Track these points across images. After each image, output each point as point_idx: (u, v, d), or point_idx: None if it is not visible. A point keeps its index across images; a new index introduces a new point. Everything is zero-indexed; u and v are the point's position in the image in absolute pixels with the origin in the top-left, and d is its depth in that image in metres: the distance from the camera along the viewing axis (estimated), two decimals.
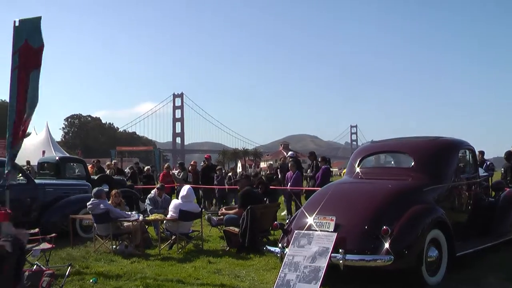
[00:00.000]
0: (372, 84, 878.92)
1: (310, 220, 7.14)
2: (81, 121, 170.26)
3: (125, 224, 10.15)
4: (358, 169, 8.71)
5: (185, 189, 10.36)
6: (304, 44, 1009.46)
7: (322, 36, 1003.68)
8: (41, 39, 7.77)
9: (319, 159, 15.82)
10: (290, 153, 24.12)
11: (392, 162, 9.26)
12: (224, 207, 12.80)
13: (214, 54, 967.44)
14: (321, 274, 6.32)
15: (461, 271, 7.49)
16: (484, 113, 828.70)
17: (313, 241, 6.77)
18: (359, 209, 7.13)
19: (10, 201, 7.77)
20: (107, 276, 7.75)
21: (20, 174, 11.32)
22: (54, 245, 8.22)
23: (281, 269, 6.71)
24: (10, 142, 7.74)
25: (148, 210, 11.88)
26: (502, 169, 14.64)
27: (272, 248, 7.65)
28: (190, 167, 20.25)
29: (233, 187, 16.22)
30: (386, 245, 6.46)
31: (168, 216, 10.18)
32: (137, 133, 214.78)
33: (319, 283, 6.24)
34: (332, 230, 6.78)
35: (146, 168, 22.99)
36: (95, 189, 10.53)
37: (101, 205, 9.89)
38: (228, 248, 9.98)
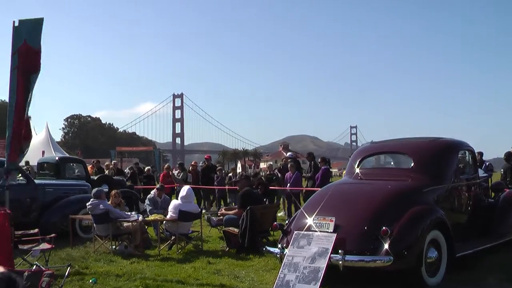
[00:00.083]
0: (372, 85, 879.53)
1: (309, 220, 7.14)
2: (81, 121, 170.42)
3: (125, 224, 10.14)
4: (357, 170, 8.72)
5: (184, 189, 10.36)
6: (304, 45, 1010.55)
7: (322, 37, 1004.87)
8: (39, 41, 7.76)
9: (319, 160, 15.84)
10: (288, 153, 24.16)
11: (392, 163, 9.27)
12: (224, 208, 12.81)
13: (214, 55, 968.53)
14: (321, 274, 6.32)
15: (461, 272, 7.49)
16: (483, 114, 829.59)
17: (313, 241, 6.76)
18: (359, 209, 7.13)
19: (10, 201, 7.77)
20: (107, 276, 7.75)
21: (20, 174, 11.31)
22: (53, 246, 8.22)
23: (280, 269, 6.71)
24: (9, 143, 7.72)
25: (147, 210, 11.88)
26: (502, 170, 14.62)
27: (272, 249, 7.66)
28: (190, 168, 20.25)
29: (233, 187, 16.22)
30: (386, 246, 6.47)
31: (168, 216, 10.19)
32: (137, 134, 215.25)
33: (319, 283, 6.24)
34: (332, 230, 6.78)
35: (146, 168, 22.99)
36: (94, 190, 10.52)
37: (101, 205, 9.88)
38: (227, 248, 9.98)
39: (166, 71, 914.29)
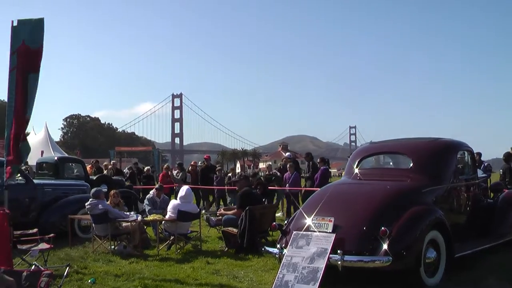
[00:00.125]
0: (371, 85, 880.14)
1: (308, 221, 7.14)
2: (80, 121, 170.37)
3: (124, 224, 10.14)
4: (357, 170, 8.72)
5: (183, 189, 10.36)
6: (303, 45, 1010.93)
7: (321, 37, 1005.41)
8: (39, 41, 7.75)
9: (318, 160, 15.84)
10: (287, 154, 24.12)
11: (391, 163, 9.27)
12: (223, 208, 12.80)
13: (213, 55, 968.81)
14: (320, 275, 6.31)
15: (460, 273, 7.49)
16: (482, 115, 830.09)
17: (312, 242, 6.76)
18: (358, 210, 7.13)
19: (9, 201, 7.77)
20: (106, 276, 7.74)
21: (19, 174, 11.30)
22: (52, 245, 8.21)
23: (279, 270, 6.71)
24: (8, 144, 7.72)
25: (146, 210, 11.88)
26: (501, 170, 14.62)
27: (271, 249, 7.65)
28: (190, 168, 20.23)
29: (232, 187, 16.21)
30: (385, 246, 6.47)
31: (167, 216, 10.18)
32: (136, 134, 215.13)
33: (318, 284, 6.24)
34: (331, 231, 6.78)
35: (146, 168, 22.98)
36: (93, 190, 10.52)
37: (100, 205, 9.88)
38: (226, 248, 9.97)
39: (165, 71, 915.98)
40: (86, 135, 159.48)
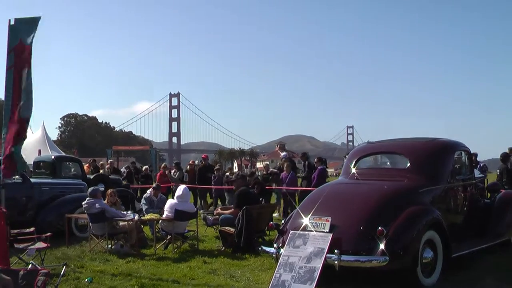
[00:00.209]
0: (368, 85, 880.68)
1: (305, 220, 7.14)
2: (77, 120, 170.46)
3: (121, 223, 10.14)
4: (354, 170, 8.72)
5: (180, 189, 10.36)
6: (300, 45, 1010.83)
7: (320, 37, 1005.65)
8: (31, 37, 7.74)
9: (315, 160, 15.84)
10: (283, 153, 24.15)
11: (388, 163, 9.28)
12: (220, 207, 12.80)
13: (211, 54, 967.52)
14: (317, 274, 6.32)
15: (457, 273, 7.50)
16: (479, 115, 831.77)
17: (309, 241, 6.77)
18: (355, 209, 7.14)
19: (6, 200, 7.78)
20: (102, 275, 7.75)
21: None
22: (49, 244, 8.21)
23: (276, 269, 6.71)
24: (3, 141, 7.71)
25: (143, 209, 11.87)
26: (498, 170, 14.68)
27: (268, 249, 7.66)
28: (188, 167, 20.22)
29: (229, 187, 16.21)
30: (382, 246, 6.47)
31: (164, 215, 10.18)
32: (133, 133, 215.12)
33: (314, 283, 6.24)
34: (328, 230, 6.79)
35: (144, 167, 22.97)
36: (90, 189, 10.51)
37: (97, 204, 9.87)
38: (223, 248, 9.97)
39: (162, 70, 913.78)
40: (83, 134, 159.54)
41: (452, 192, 8.35)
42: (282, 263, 6.70)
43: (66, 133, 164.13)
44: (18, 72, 7.71)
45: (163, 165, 22.71)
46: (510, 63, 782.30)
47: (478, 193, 9.42)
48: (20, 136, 7.85)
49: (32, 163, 15.46)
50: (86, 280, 7.38)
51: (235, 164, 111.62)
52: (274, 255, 7.22)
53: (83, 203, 10.12)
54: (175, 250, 9.87)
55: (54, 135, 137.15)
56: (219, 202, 17.92)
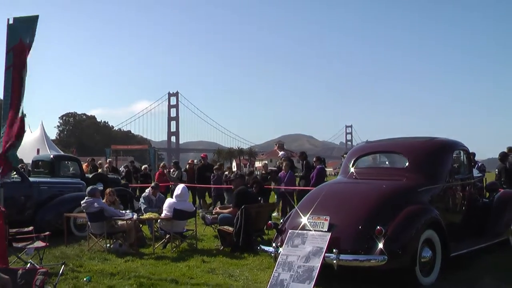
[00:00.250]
0: (367, 84, 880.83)
1: (304, 219, 7.14)
2: (76, 119, 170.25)
3: (119, 222, 10.14)
4: (352, 169, 8.73)
5: (179, 188, 10.36)
6: (299, 44, 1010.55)
7: (319, 37, 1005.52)
8: (31, 37, 7.73)
9: (314, 159, 15.85)
10: (281, 153, 24.13)
11: (387, 162, 9.27)
12: (219, 206, 12.80)
13: (210, 53, 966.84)
14: (315, 274, 6.32)
15: (455, 272, 7.51)
16: (479, 114, 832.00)
17: (307, 240, 6.77)
18: (353, 209, 7.14)
19: (4, 199, 7.76)
20: (101, 274, 7.75)
21: (14, 172, 11.28)
22: (48, 244, 8.20)
23: (275, 268, 6.71)
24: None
25: (142, 209, 11.88)
26: (496, 170, 14.71)
27: (266, 248, 7.66)
28: (187, 166, 20.21)
29: (228, 186, 16.20)
30: (380, 245, 6.47)
31: (162, 215, 10.18)
32: (132, 132, 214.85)
33: (313, 283, 6.25)
34: (326, 230, 6.79)
35: (144, 167, 22.98)
36: (89, 188, 10.52)
37: (95, 203, 9.88)
38: (222, 247, 9.98)
39: (161, 69, 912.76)
40: (82, 133, 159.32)
41: (450, 191, 8.36)
42: (281, 262, 6.70)
43: (65, 132, 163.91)
44: (18, 72, 7.70)
45: (161, 164, 22.76)
46: (510, 63, 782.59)
47: (476, 192, 9.43)
48: (21, 134, 7.87)
49: (30, 162, 15.47)
50: (84, 279, 7.38)
51: (234, 164, 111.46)
52: (272, 254, 7.22)
53: (81, 202, 10.13)
54: (174, 249, 9.87)
55: (52, 134, 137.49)
56: (218, 202, 17.89)
